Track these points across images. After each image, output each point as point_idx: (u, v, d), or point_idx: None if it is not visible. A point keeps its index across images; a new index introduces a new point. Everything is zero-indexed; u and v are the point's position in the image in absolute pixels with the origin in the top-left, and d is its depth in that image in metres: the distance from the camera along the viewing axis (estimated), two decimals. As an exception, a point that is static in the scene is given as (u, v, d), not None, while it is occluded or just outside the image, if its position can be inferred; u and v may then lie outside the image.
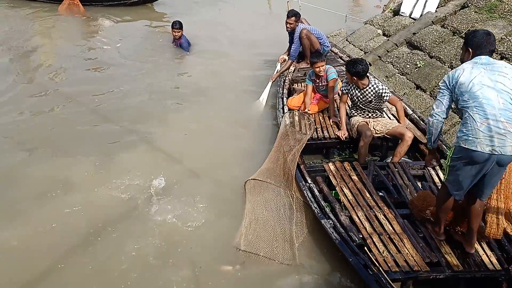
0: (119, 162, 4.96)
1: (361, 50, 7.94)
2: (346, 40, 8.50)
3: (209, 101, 6.41)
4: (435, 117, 3.16)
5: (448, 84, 3.08)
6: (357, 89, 4.74)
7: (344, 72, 6.23)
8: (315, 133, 5.07)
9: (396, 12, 8.30)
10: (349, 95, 4.91)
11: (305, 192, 4.03)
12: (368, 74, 4.71)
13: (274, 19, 7.76)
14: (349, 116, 5.11)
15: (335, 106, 5.42)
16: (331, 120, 5.33)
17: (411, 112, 5.35)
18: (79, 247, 3.81)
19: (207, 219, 4.18)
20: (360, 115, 4.93)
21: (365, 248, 3.35)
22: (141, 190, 4.48)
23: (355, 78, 4.59)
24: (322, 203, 3.85)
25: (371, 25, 8.51)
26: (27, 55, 7.71)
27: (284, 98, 5.86)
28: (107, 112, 5.97)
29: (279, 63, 6.95)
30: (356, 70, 4.52)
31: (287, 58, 6.95)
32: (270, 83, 6.60)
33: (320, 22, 8.83)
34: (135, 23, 9.55)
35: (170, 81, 7.08)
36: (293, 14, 6.64)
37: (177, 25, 7.80)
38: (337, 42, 8.41)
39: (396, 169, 4.44)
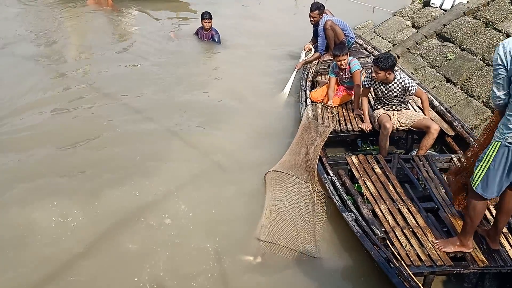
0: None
1: (389, 42, 7.78)
2: (374, 32, 8.35)
3: (235, 96, 6.41)
4: (498, 100, 2.70)
5: (503, 60, 2.56)
6: (381, 84, 4.66)
7: (369, 64, 6.23)
8: (338, 125, 5.03)
9: (426, 3, 8.07)
10: (372, 89, 4.84)
11: (327, 185, 4.01)
12: None
13: (300, 11, 7.62)
14: (372, 109, 5.04)
15: (359, 98, 5.35)
16: (354, 113, 5.28)
17: (438, 104, 5.23)
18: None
19: (229, 209, 4.22)
20: (384, 108, 4.86)
21: (387, 241, 3.32)
22: (170, 180, 4.57)
23: (383, 72, 4.47)
24: (344, 196, 3.83)
25: (399, 16, 8.31)
26: (55, 48, 7.88)
27: (307, 91, 5.83)
28: (143, 109, 5.97)
29: (304, 52, 6.92)
30: (385, 65, 4.39)
31: (312, 47, 6.91)
32: (294, 72, 6.58)
33: (347, 13, 8.74)
34: (161, 16, 9.62)
35: (199, 73, 7.09)
36: (316, 7, 6.57)
37: (207, 16, 7.76)
38: (364, 34, 8.29)
39: (421, 162, 4.35)
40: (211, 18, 7.80)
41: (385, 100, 4.76)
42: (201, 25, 7.93)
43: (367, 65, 6.23)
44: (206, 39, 8.00)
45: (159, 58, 7.55)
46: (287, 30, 8.44)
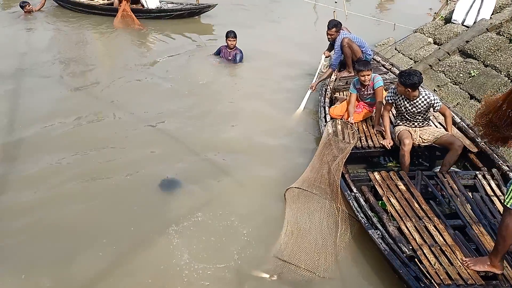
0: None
1: (411, 59, 7.78)
2: (395, 48, 8.36)
3: (253, 113, 6.44)
4: None
5: None
6: (406, 100, 4.64)
7: (387, 81, 6.23)
8: (359, 142, 5.00)
9: (448, 20, 8.06)
10: (394, 105, 4.82)
11: (350, 201, 3.97)
12: None
13: (320, 28, 7.69)
14: (393, 125, 5.02)
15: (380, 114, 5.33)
16: (375, 129, 5.25)
17: (459, 121, 5.18)
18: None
19: (248, 226, 4.20)
20: (406, 125, 4.83)
21: (416, 259, 3.25)
22: (189, 197, 4.58)
23: (409, 89, 4.45)
24: (369, 213, 3.78)
25: (421, 33, 8.32)
26: (82, 68, 8.05)
27: (326, 107, 5.83)
28: (163, 128, 6.03)
29: (323, 56, 6.97)
30: (412, 81, 4.38)
31: (331, 54, 6.95)
32: (309, 92, 6.60)
33: (367, 31, 8.85)
34: (184, 36, 9.80)
35: (219, 92, 7.16)
36: (334, 25, 6.63)
37: (232, 34, 7.88)
38: (385, 51, 8.31)
39: (445, 179, 4.29)
40: (235, 36, 7.91)
41: (408, 116, 4.73)
42: (225, 44, 8.04)
43: (385, 81, 6.22)
44: (229, 58, 8.07)
45: (180, 77, 7.66)
46: (307, 48, 8.46)
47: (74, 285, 3.61)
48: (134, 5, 10.59)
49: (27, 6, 10.81)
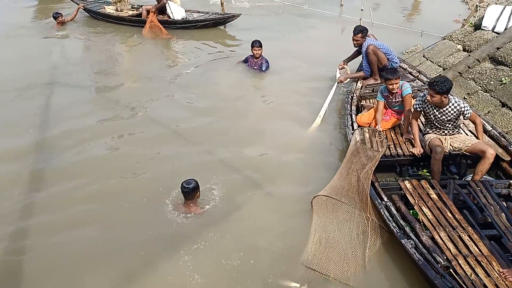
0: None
1: (440, 66, 7.67)
2: (423, 56, 8.27)
3: (277, 123, 6.44)
4: None
5: None
6: (435, 108, 4.58)
7: (414, 88, 6.15)
8: (387, 150, 4.95)
9: (477, 27, 7.92)
10: (423, 113, 4.76)
11: (381, 210, 3.93)
12: None
13: (345, 39, 7.66)
14: (422, 133, 4.95)
15: (409, 122, 5.27)
16: (403, 137, 5.19)
17: (491, 128, 5.08)
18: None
19: (275, 233, 4.21)
20: (436, 133, 4.77)
21: (451, 270, 3.19)
22: (219, 204, 4.63)
23: (438, 96, 4.40)
24: (401, 222, 3.73)
25: (450, 40, 8.20)
26: (109, 77, 8.24)
27: (353, 115, 5.80)
28: (191, 137, 6.08)
29: (338, 70, 6.90)
30: (447, 87, 4.33)
31: (346, 66, 6.96)
32: (334, 87, 6.61)
33: (394, 38, 8.79)
34: (210, 45, 9.90)
35: (245, 101, 7.19)
36: (359, 31, 6.62)
37: (257, 44, 7.89)
38: (413, 59, 8.23)
39: (478, 188, 4.20)
40: (261, 46, 7.92)
41: (438, 124, 4.66)
42: (251, 53, 8.08)
43: (413, 89, 6.15)
44: (255, 67, 8.09)
45: (205, 87, 7.72)
46: (332, 58, 8.39)
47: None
48: (161, 16, 10.81)
49: (60, 17, 11.16)
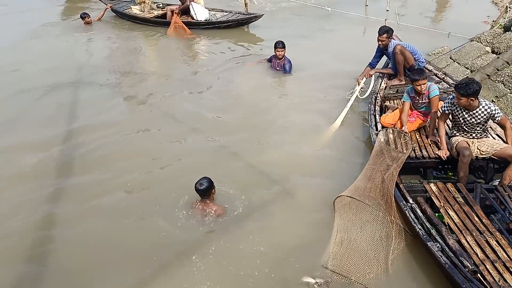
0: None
1: (467, 68, 7.53)
2: (450, 58, 8.11)
3: (300, 125, 6.42)
4: None
5: None
6: (464, 111, 4.50)
7: (440, 90, 6.03)
8: (412, 152, 4.88)
9: (507, 28, 7.74)
10: (451, 115, 4.67)
11: (407, 212, 3.88)
12: None
13: (369, 40, 7.55)
14: (449, 136, 4.86)
15: (435, 124, 5.18)
16: (429, 139, 5.11)
17: (520, 133, 4.94)
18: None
19: (295, 234, 4.20)
20: (462, 135, 4.67)
21: (479, 275, 3.12)
22: (239, 204, 4.62)
23: (472, 99, 4.31)
24: (428, 225, 3.67)
25: (478, 42, 8.03)
26: (133, 76, 8.38)
27: (377, 115, 5.74)
28: (212, 135, 6.11)
29: (358, 86, 6.76)
30: (473, 89, 4.24)
31: (361, 81, 6.80)
32: (358, 87, 6.59)
33: (420, 39, 8.62)
34: (232, 45, 9.95)
35: (266, 101, 7.18)
36: (385, 31, 6.54)
37: (280, 45, 7.88)
38: (439, 60, 8.09)
39: (506, 193, 4.11)
40: (284, 47, 7.90)
41: (466, 127, 4.57)
42: (274, 54, 8.06)
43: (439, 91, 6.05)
44: (278, 68, 8.07)
45: (228, 86, 7.78)
46: (356, 60, 8.28)
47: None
48: (185, 17, 10.98)
49: (87, 18, 11.46)
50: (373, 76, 6.93)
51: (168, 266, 3.93)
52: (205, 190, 4.38)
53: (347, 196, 4.39)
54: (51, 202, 4.82)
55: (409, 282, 3.66)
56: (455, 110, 4.57)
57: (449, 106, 4.62)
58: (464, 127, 4.59)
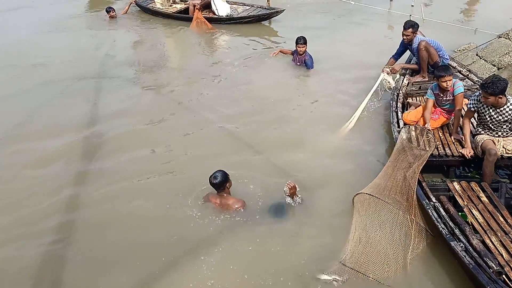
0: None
1: (494, 65, 7.38)
2: (476, 54, 7.95)
3: (318, 119, 6.39)
4: None
5: None
6: (491, 108, 4.39)
7: (465, 87, 5.90)
8: (435, 150, 4.79)
9: (537, 24, 7.58)
10: (477, 113, 4.56)
11: (429, 211, 3.81)
12: None
13: (394, 35, 7.39)
14: (473, 134, 4.76)
15: (459, 122, 5.08)
16: (452, 137, 5.01)
17: (547, 131, 4.80)
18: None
19: (314, 230, 4.18)
20: (488, 133, 4.57)
21: (504, 276, 3.06)
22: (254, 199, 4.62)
23: (500, 96, 4.21)
24: (451, 224, 3.61)
25: (506, 38, 7.85)
26: (155, 69, 8.48)
27: (399, 112, 5.66)
28: (229, 128, 6.15)
29: (382, 74, 6.67)
30: (501, 87, 4.14)
31: (388, 69, 6.71)
32: (378, 81, 6.49)
33: (445, 35, 8.47)
34: (253, 40, 9.95)
35: (286, 97, 7.15)
36: (410, 25, 6.43)
37: (302, 41, 7.84)
38: (465, 57, 7.93)
39: (533, 193, 4.01)
40: (305, 42, 7.86)
41: (492, 125, 4.46)
42: (295, 50, 8.03)
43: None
44: (299, 63, 8.05)
45: (247, 80, 7.77)
46: (379, 56, 8.13)
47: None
48: (207, 12, 11.04)
49: (112, 12, 11.70)
50: (398, 73, 6.83)
51: (180, 258, 3.95)
52: (220, 183, 4.37)
53: (366, 193, 4.34)
54: (73, 186, 4.97)
55: (430, 282, 3.61)
56: (481, 108, 4.46)
57: (475, 104, 4.51)
58: (490, 125, 4.48)
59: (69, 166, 5.34)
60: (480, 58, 7.75)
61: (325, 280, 3.60)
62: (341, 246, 3.92)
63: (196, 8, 10.73)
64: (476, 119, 4.73)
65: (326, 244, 4.01)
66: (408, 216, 3.98)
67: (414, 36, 6.39)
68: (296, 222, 4.32)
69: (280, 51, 8.56)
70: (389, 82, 6.57)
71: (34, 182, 5.05)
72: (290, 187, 4.26)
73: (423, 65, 6.45)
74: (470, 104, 4.57)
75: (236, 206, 4.38)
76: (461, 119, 5.06)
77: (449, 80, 4.97)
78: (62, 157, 5.51)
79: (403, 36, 6.51)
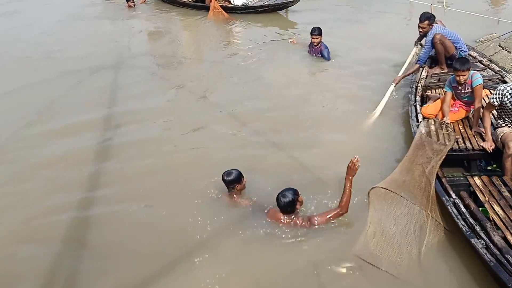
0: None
1: (516, 56, 7.19)
2: (499, 45, 7.76)
3: (334, 114, 6.35)
4: None
5: None
6: None
7: (485, 78, 5.76)
8: (455, 144, 4.72)
9: (561, 13, 7.33)
10: (501, 106, 4.44)
11: (449, 208, 3.76)
12: None
13: (413, 26, 7.26)
14: (494, 127, 4.66)
15: (479, 114, 4.98)
16: (473, 130, 4.92)
17: None
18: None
19: (328, 224, 4.12)
20: (509, 126, 4.46)
21: (526, 274, 3.01)
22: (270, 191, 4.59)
23: None
24: (471, 220, 3.56)
25: (530, 29, 7.65)
26: (171, 59, 8.63)
27: (418, 106, 5.57)
28: (245, 121, 6.17)
29: (415, 48, 6.62)
30: None
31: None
32: (391, 88, 6.32)
33: (467, 26, 8.32)
34: (269, 30, 9.96)
35: (301, 88, 7.14)
36: (426, 18, 6.31)
37: (316, 32, 7.79)
38: (487, 48, 7.75)
39: (557, 188, 3.92)
40: (320, 33, 7.80)
41: None
42: (311, 41, 7.98)
43: (483, 78, 5.78)
44: (314, 54, 8.01)
45: (263, 71, 7.77)
46: (398, 46, 7.99)
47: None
48: (223, 0, 11.15)
49: (130, 1, 11.96)
50: (414, 48, 6.71)
51: (190, 253, 3.98)
52: (231, 181, 4.32)
53: (382, 187, 4.30)
54: (86, 182, 5.04)
55: (448, 278, 3.57)
56: (510, 102, 4.31)
57: (499, 98, 4.37)
58: None
59: (80, 163, 5.39)
60: (503, 49, 7.56)
61: (339, 272, 3.63)
62: (355, 240, 3.90)
63: None
64: (497, 112, 4.61)
65: (340, 237, 4.00)
66: (424, 211, 3.94)
67: (430, 29, 6.27)
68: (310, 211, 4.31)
69: (296, 42, 8.54)
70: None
71: (46, 179, 5.12)
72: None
73: (441, 58, 6.34)
74: (493, 98, 4.41)
75: (246, 203, 4.33)
76: (481, 111, 4.98)
77: (463, 75, 4.86)
78: (77, 151, 5.59)
79: (419, 29, 6.40)
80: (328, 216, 4.01)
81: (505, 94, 4.29)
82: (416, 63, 6.51)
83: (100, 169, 5.26)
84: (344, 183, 4.02)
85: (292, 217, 4.04)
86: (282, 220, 4.06)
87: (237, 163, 4.60)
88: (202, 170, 5.05)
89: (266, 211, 4.21)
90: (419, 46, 6.78)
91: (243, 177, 4.42)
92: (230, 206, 4.41)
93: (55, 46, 9.30)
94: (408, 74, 6.52)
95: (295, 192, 4.00)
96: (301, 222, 4.02)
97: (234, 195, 4.41)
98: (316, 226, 3.99)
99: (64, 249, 4.14)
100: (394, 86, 6.36)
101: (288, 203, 3.93)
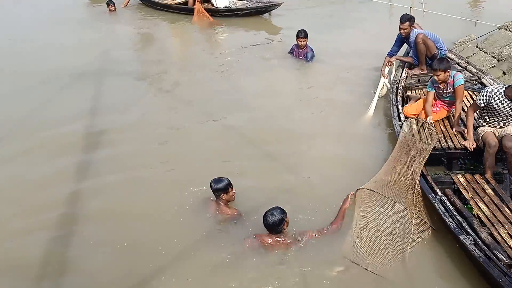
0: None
1: (494, 57, 7.37)
2: (476, 46, 7.93)
3: (321, 116, 6.32)
4: None
5: None
6: (505, 101, 4.31)
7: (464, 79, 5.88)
8: (437, 143, 4.78)
9: (537, 15, 7.58)
10: (487, 107, 4.49)
11: (436, 205, 3.80)
12: None
13: (395, 26, 7.37)
14: (475, 127, 4.74)
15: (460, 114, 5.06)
16: (454, 129, 5.00)
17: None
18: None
19: (317, 226, 4.11)
20: (489, 126, 4.55)
21: (514, 269, 3.05)
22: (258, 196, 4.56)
23: None
24: (459, 217, 3.59)
25: (506, 30, 7.83)
26: (155, 63, 8.47)
27: (399, 106, 5.63)
28: (230, 124, 6.09)
29: (387, 68, 6.64)
30: None
31: (394, 62, 6.73)
32: (381, 82, 6.41)
33: (445, 27, 8.43)
34: (253, 33, 9.95)
35: (287, 91, 7.12)
36: (407, 19, 6.40)
37: (303, 34, 7.78)
38: (465, 49, 7.91)
39: (537, 184, 4.01)
40: (306, 36, 7.81)
41: (500, 117, 4.42)
42: (296, 43, 7.97)
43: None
44: (300, 57, 7.98)
45: (249, 75, 7.73)
46: (381, 48, 8.00)
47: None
48: (205, 4, 11.06)
49: (111, 6, 11.80)
50: (394, 64, 6.79)
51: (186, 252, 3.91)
52: (218, 189, 4.13)
53: (367, 188, 4.33)
54: (71, 182, 4.93)
55: (433, 276, 3.58)
56: (497, 103, 4.36)
57: (486, 99, 4.41)
58: (499, 117, 4.43)
59: (69, 161, 5.27)
60: (480, 50, 7.74)
61: (328, 274, 3.60)
62: (343, 241, 3.89)
63: (197, 1, 10.75)
64: (478, 112, 4.69)
65: (329, 240, 3.95)
66: (408, 210, 3.98)
67: (411, 30, 6.37)
68: (296, 215, 4.23)
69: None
70: (386, 85, 6.52)
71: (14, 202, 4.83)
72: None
73: (422, 58, 6.43)
74: (480, 100, 4.45)
75: (230, 214, 4.19)
76: (462, 111, 5.06)
77: (437, 75, 4.94)
78: (62, 152, 5.45)
79: (400, 30, 6.47)
80: (323, 233, 3.96)
81: (492, 96, 4.33)
82: (409, 56, 6.75)
83: (88, 165, 5.20)
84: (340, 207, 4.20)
85: (280, 238, 3.82)
86: (269, 242, 3.81)
87: (222, 174, 4.41)
88: (182, 181, 4.86)
89: (253, 236, 3.92)
90: (387, 78, 6.70)
91: (231, 188, 4.20)
92: (213, 215, 4.23)
93: (35, 52, 9.03)
94: (403, 60, 6.76)
95: (283, 211, 3.79)
96: (289, 242, 3.83)
97: (221, 204, 4.20)
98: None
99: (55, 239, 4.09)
100: (388, 67, 6.57)
101: (276, 222, 3.72)
